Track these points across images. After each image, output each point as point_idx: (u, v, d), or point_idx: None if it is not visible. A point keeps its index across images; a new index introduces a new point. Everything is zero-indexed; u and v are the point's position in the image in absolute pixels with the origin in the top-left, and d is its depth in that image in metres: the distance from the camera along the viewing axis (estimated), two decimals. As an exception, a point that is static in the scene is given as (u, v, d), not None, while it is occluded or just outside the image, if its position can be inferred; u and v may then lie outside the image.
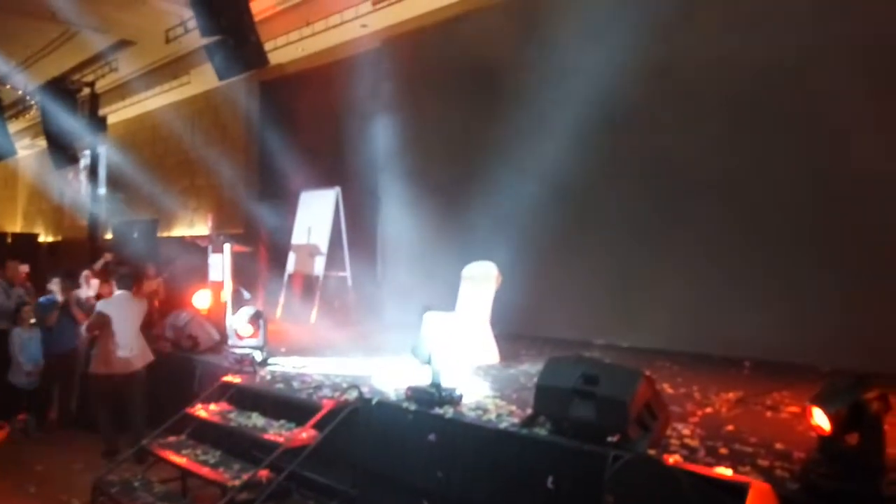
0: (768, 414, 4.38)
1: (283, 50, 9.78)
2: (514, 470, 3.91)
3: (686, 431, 3.83)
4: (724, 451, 3.49)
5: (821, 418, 2.93)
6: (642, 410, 3.46)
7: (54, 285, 7.49)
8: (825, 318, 5.58)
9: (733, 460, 3.33)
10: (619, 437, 3.45)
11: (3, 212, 18.71)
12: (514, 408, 4.42)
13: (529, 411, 4.06)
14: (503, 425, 4.11)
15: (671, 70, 6.55)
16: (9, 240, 16.59)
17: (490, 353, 6.24)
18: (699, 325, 6.26)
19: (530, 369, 5.64)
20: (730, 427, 3.99)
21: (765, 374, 5.48)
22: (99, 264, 8.36)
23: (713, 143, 6.36)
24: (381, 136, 9.16)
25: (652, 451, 3.36)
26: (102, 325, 6.41)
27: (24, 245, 15.91)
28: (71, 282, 7.79)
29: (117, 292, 6.68)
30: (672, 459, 3.24)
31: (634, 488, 3.04)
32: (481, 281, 6.37)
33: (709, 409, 4.44)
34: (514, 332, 7.08)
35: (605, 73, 6.54)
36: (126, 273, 6.96)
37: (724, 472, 3.09)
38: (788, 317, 5.69)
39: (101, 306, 6.59)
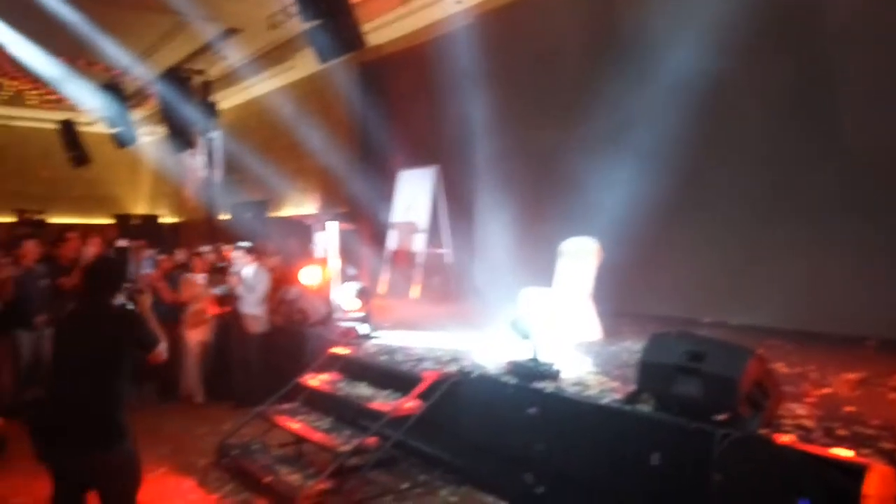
0: (894, 396, 4.11)
1: (381, 31, 9.93)
2: (616, 446, 3.90)
3: (801, 412, 3.68)
4: (842, 432, 3.33)
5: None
6: (752, 389, 3.36)
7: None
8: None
9: (853, 443, 3.17)
10: (727, 415, 3.36)
11: (129, 195, 20.14)
12: (616, 384, 4.39)
13: (632, 388, 4.02)
14: (605, 401, 4.10)
15: (778, 36, 6.18)
16: (135, 221, 17.91)
17: (591, 329, 6.19)
18: (817, 302, 5.91)
19: (633, 346, 5.54)
20: (850, 408, 3.79)
21: (890, 354, 5.14)
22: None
23: (828, 112, 5.97)
24: (478, 112, 9.16)
25: (763, 431, 3.25)
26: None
27: (149, 226, 17.12)
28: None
29: (253, 264, 7.36)
30: (784, 439, 3.12)
31: (743, 467, 2.96)
32: (580, 256, 6.31)
33: (827, 390, 4.23)
34: (616, 309, 6.95)
35: (712, 40, 6.25)
36: (251, 247, 7.64)
37: (842, 453, 2.95)
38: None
39: (263, 276, 7.32)
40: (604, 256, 6.23)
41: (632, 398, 3.95)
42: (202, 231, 13.94)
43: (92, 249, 8.09)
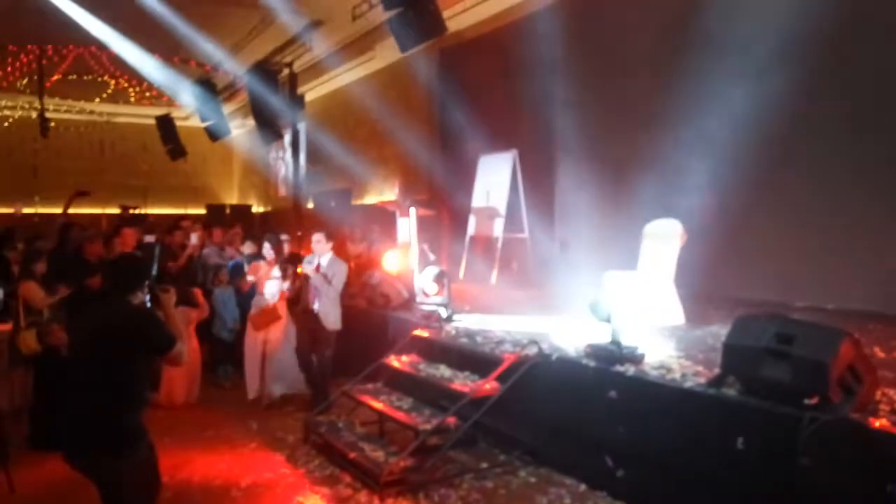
0: None
1: (461, 16, 9.95)
2: (700, 429, 3.83)
3: (899, 397, 3.49)
4: (944, 419, 3.14)
5: None
6: (845, 372, 3.22)
7: (247, 248, 8.31)
8: None
9: (955, 430, 2.99)
10: (817, 399, 3.24)
11: (221, 185, 21.11)
12: (700, 368, 4.30)
13: (717, 371, 3.92)
14: (688, 385, 4.02)
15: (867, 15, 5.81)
16: (227, 210, 18.75)
17: (674, 313, 6.05)
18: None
19: (719, 331, 5.38)
20: (954, 395, 3.56)
21: None
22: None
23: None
24: (558, 96, 9.06)
25: (854, 416, 3.11)
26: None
27: (240, 215, 17.88)
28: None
29: (330, 252, 6.59)
30: (878, 423, 2.98)
31: (832, 451, 2.85)
32: (664, 239, 6.16)
33: (929, 376, 3.98)
34: (701, 293, 6.76)
35: (800, 20, 5.95)
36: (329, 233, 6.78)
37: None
38: None
39: (340, 266, 6.54)
40: (688, 239, 6.06)
41: (716, 382, 3.86)
42: (290, 220, 14.43)
43: (196, 237, 8.57)
